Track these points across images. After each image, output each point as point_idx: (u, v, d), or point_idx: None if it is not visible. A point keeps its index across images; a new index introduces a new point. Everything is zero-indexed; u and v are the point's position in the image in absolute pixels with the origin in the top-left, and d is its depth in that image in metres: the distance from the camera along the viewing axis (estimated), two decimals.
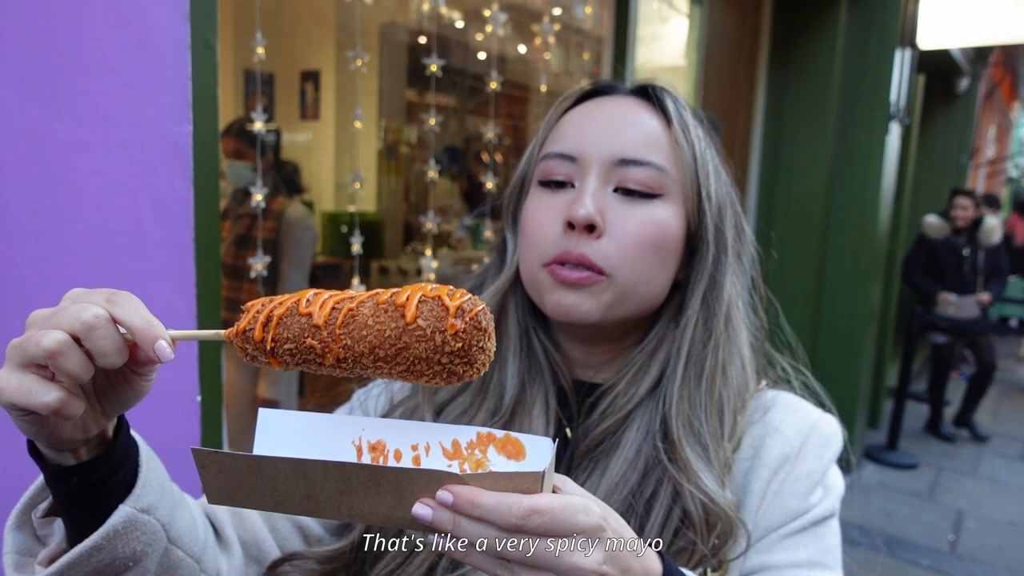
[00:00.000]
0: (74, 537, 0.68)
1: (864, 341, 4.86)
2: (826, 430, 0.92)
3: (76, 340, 0.56)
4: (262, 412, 0.67)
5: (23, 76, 1.13)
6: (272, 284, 3.22)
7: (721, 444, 0.87)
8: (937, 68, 7.15)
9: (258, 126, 2.02)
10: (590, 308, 0.86)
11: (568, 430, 0.92)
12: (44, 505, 0.71)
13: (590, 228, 0.85)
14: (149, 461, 0.71)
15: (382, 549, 0.90)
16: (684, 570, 0.71)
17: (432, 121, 2.63)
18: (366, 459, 0.65)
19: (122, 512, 0.67)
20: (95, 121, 1.21)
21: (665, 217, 0.88)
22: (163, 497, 0.72)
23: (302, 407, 0.64)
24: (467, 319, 0.56)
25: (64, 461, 0.64)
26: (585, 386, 0.95)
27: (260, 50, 1.95)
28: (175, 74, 1.29)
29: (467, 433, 0.61)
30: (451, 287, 0.59)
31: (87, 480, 0.65)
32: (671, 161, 0.89)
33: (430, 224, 2.71)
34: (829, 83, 4.49)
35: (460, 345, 0.56)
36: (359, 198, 3.60)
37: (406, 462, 0.63)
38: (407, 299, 0.57)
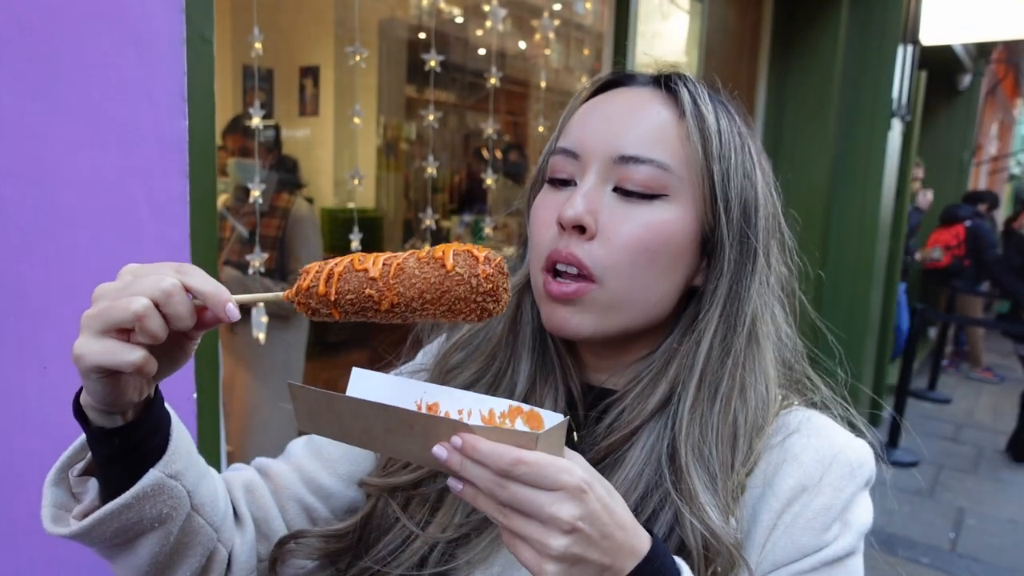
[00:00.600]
0: (107, 495, 0.74)
1: (865, 338, 4.86)
2: (852, 458, 0.83)
3: (155, 305, 0.63)
4: (355, 371, 0.80)
5: (16, 71, 1.11)
6: (282, 281, 3.20)
7: (731, 474, 0.80)
8: (939, 64, 7.13)
9: (255, 122, 2.01)
10: (580, 322, 0.82)
11: (575, 435, 0.89)
12: (81, 464, 0.77)
13: (581, 229, 0.81)
14: (179, 431, 0.78)
15: (381, 533, 0.91)
16: (678, 560, 0.70)
17: (431, 117, 2.61)
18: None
19: (152, 475, 0.73)
20: (89, 116, 1.20)
21: (666, 219, 0.81)
22: (190, 465, 0.78)
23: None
24: (493, 265, 0.70)
25: (111, 424, 0.71)
26: (595, 391, 0.91)
27: (258, 45, 1.94)
28: (170, 69, 1.28)
29: (502, 405, 0.73)
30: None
31: (127, 441, 0.72)
32: (679, 158, 0.82)
33: (428, 220, 2.69)
34: (831, 80, 4.47)
35: (490, 286, 0.70)
36: (358, 195, 3.59)
37: None
38: (443, 253, 0.70)
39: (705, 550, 0.76)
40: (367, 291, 0.70)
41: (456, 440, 0.63)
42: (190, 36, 1.30)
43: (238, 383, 3.30)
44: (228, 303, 0.66)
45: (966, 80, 8.68)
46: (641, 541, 0.67)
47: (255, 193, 1.98)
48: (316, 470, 0.98)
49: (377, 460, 0.98)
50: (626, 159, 0.81)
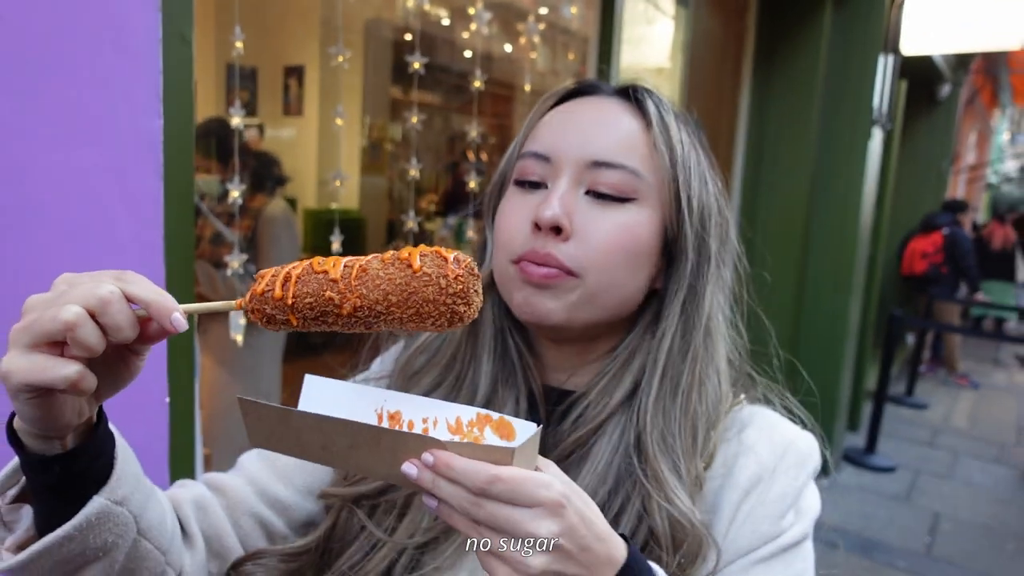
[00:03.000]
0: (43, 524, 0.69)
1: (844, 344, 4.90)
2: (803, 448, 0.89)
3: (91, 315, 0.58)
4: (308, 378, 0.75)
5: None
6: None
7: (693, 460, 0.84)
8: (919, 74, 7.22)
9: (236, 121, 1.99)
10: (554, 308, 0.84)
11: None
12: (13, 491, 0.72)
13: (557, 230, 0.83)
14: (124, 452, 0.72)
15: (345, 544, 0.90)
16: (653, 565, 0.71)
17: (415, 119, 2.61)
18: (384, 425, 0.72)
19: (96, 503, 0.68)
20: (63, 113, 1.18)
21: (637, 221, 0.85)
22: (136, 489, 0.73)
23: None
24: (463, 266, 0.66)
25: (50, 450, 0.65)
26: (556, 392, 0.93)
27: (239, 44, 1.92)
28: (146, 67, 1.26)
29: (469, 413, 0.69)
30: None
31: (69, 469, 0.66)
32: (648, 165, 0.87)
33: (411, 223, 2.68)
34: (813, 88, 4.51)
35: (460, 287, 0.65)
36: (341, 196, 3.57)
37: (416, 432, 0.71)
38: (409, 254, 0.66)
39: (673, 533, 0.79)
40: (327, 293, 0.65)
41: (427, 457, 0.61)
42: (167, 35, 1.28)
43: (215, 383, 3.27)
44: (174, 312, 0.61)
45: (945, 90, 8.79)
46: (619, 550, 0.67)
47: (234, 194, 1.96)
48: (271, 483, 0.96)
49: (336, 471, 0.96)
50: (599, 164, 0.85)
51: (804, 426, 0.94)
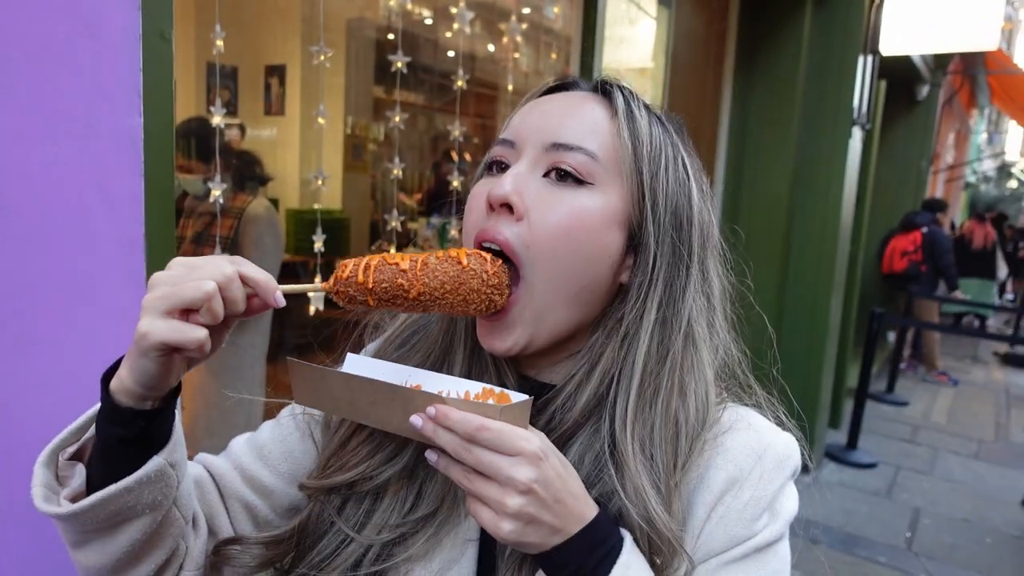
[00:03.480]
0: (98, 480, 0.76)
1: (826, 342, 4.94)
2: (781, 451, 0.88)
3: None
4: (349, 356, 0.91)
5: None
6: None
7: (674, 472, 0.83)
8: (898, 75, 7.30)
9: (217, 120, 1.98)
10: (515, 341, 0.85)
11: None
12: (73, 448, 0.81)
13: (509, 209, 0.83)
14: (178, 421, 0.81)
15: (316, 538, 0.92)
16: (623, 531, 0.78)
17: (397, 118, 2.60)
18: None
19: (156, 461, 0.76)
20: (40, 110, 1.17)
21: (590, 205, 0.83)
22: (183, 457, 0.82)
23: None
24: (498, 265, 0.83)
25: (141, 407, 0.74)
26: (531, 383, 0.93)
27: (219, 43, 1.91)
28: (126, 65, 1.25)
29: (476, 387, 0.83)
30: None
31: (149, 425, 0.75)
32: (608, 151, 0.85)
33: (394, 222, 2.68)
34: (793, 88, 4.55)
35: (497, 280, 0.82)
36: (324, 196, 3.56)
37: None
38: (458, 253, 0.82)
39: (650, 546, 0.80)
40: (399, 281, 0.80)
41: (431, 410, 0.71)
42: (146, 32, 1.27)
43: (197, 383, 3.25)
44: (277, 291, 0.74)
45: (924, 90, 8.89)
46: (589, 509, 0.76)
47: (215, 192, 1.94)
48: (257, 468, 0.98)
49: (316, 460, 0.98)
50: (558, 146, 0.85)
51: (799, 426, 0.93)
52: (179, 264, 0.72)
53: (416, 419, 0.72)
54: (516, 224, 0.83)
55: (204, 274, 0.70)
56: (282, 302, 0.74)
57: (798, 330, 4.87)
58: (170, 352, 0.71)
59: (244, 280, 0.73)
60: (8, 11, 1.12)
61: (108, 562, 0.80)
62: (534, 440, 0.71)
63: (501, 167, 0.89)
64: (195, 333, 0.69)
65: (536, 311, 0.84)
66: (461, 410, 0.71)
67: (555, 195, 0.84)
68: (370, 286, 0.79)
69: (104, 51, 1.22)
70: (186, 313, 0.70)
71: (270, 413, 1.08)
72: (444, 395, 0.76)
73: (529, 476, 0.70)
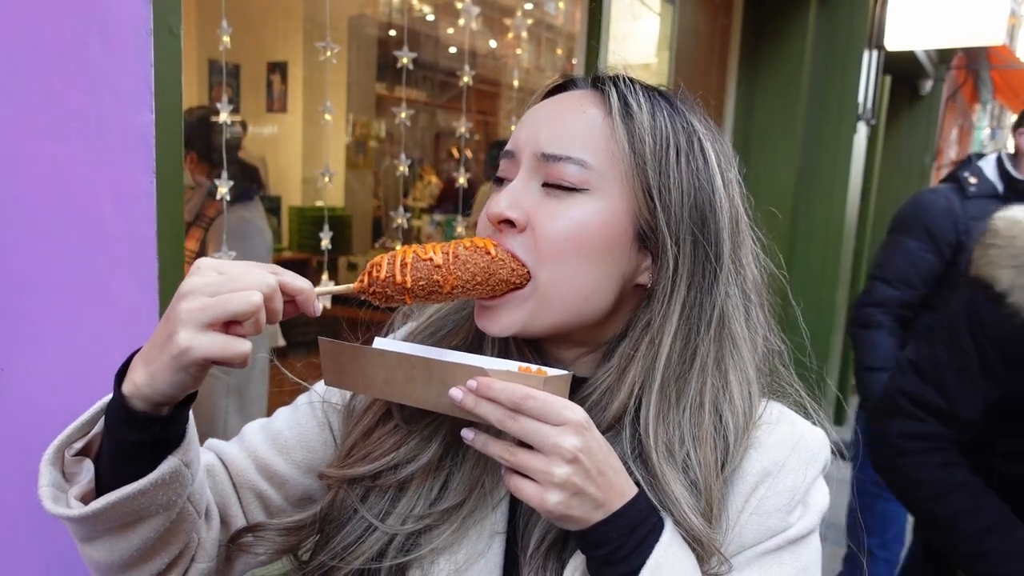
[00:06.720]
0: (109, 479, 0.73)
1: (831, 339, 4.93)
2: (813, 445, 0.88)
3: None
4: (377, 340, 0.91)
5: None
6: None
7: (719, 472, 0.81)
8: (902, 70, 7.28)
9: (223, 117, 1.96)
10: (510, 323, 0.84)
11: None
12: (79, 444, 0.77)
13: (511, 224, 0.83)
14: (191, 419, 0.78)
15: (339, 526, 0.90)
16: (664, 515, 0.78)
17: (403, 115, 2.58)
18: None
19: (171, 462, 0.74)
20: (51, 107, 1.16)
21: (588, 212, 0.81)
22: (197, 454, 0.80)
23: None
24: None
25: (158, 413, 0.71)
26: None
27: (226, 39, 1.89)
28: (136, 61, 1.24)
29: (513, 365, 0.81)
30: None
31: (165, 429, 0.73)
32: (601, 154, 0.82)
33: (400, 219, 2.66)
34: (798, 83, 4.54)
35: (525, 270, 0.83)
36: (327, 193, 3.53)
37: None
38: (485, 243, 0.83)
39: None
40: (435, 277, 0.80)
41: (471, 383, 0.71)
42: (157, 27, 1.26)
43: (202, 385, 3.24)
44: (316, 300, 0.73)
45: (928, 85, 8.87)
46: (630, 486, 0.77)
47: (222, 190, 1.93)
48: (271, 456, 0.96)
49: (336, 450, 0.97)
50: (547, 156, 0.83)
51: (807, 413, 0.94)
52: (210, 269, 0.68)
53: (456, 391, 0.71)
54: (520, 235, 0.84)
55: (248, 283, 0.66)
56: (319, 310, 0.73)
57: (803, 326, 4.85)
58: (208, 366, 0.67)
59: (284, 289, 0.70)
60: (18, 8, 1.11)
61: (119, 559, 0.78)
62: (579, 410, 0.72)
63: (504, 181, 0.89)
64: (242, 347, 0.66)
65: (536, 306, 0.84)
66: (502, 380, 0.70)
67: (553, 204, 0.83)
68: (408, 285, 0.79)
69: (114, 47, 1.21)
70: (227, 325, 0.66)
71: (273, 406, 1.07)
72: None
73: (575, 444, 0.69)
